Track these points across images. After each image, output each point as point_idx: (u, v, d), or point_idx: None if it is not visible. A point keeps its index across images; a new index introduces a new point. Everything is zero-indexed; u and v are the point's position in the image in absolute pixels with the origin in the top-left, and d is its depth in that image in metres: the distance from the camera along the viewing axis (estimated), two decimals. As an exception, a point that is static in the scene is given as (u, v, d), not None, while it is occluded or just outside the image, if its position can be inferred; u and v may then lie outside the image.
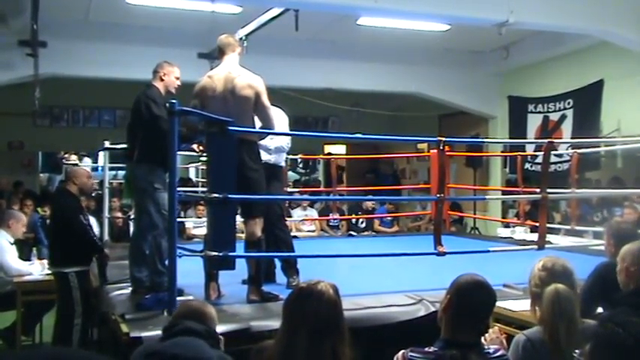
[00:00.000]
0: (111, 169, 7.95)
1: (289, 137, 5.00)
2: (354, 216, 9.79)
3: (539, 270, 2.61)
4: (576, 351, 2.29)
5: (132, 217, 7.96)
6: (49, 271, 5.25)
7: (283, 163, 5.15)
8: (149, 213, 4.14)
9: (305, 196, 9.88)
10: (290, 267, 4.71)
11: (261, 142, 4.56)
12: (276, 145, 4.83)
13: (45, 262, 5.86)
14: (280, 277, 4.81)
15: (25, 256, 6.17)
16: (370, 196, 10.32)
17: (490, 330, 2.84)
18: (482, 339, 2.50)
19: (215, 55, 4.53)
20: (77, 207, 5.08)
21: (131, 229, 8.06)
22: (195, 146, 4.65)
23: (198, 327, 2.33)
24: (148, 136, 4.14)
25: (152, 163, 4.09)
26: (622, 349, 1.65)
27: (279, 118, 4.84)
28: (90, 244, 5.02)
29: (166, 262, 3.84)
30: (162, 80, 4.40)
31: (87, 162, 14.52)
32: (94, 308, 4.86)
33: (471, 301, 2.29)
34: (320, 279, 2.24)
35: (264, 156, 4.65)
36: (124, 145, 4.80)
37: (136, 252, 4.24)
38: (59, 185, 11.40)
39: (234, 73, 4.13)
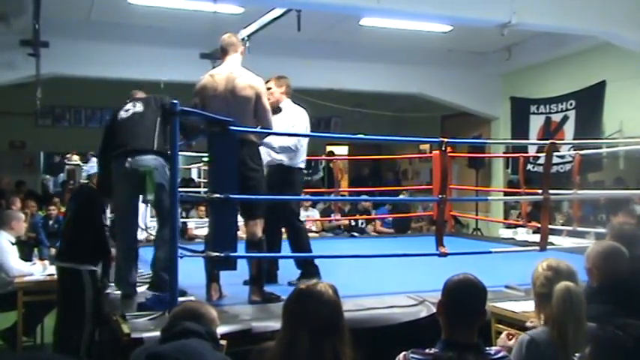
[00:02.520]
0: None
1: (298, 137, 4.81)
2: (356, 216, 9.77)
3: (544, 270, 2.60)
4: (576, 354, 2.27)
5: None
6: (57, 267, 5.15)
7: (302, 165, 4.95)
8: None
9: (306, 197, 9.85)
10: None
11: (266, 141, 4.54)
12: (280, 144, 4.76)
13: (46, 262, 5.85)
14: (283, 277, 4.81)
15: (26, 256, 6.16)
16: (373, 197, 10.31)
17: (502, 334, 2.85)
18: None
19: (217, 55, 4.52)
20: (102, 205, 5.05)
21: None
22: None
23: (198, 328, 2.30)
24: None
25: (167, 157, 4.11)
26: (622, 351, 1.65)
27: (299, 117, 4.84)
28: (103, 244, 4.94)
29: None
30: None
31: (94, 162, 14.48)
32: (101, 309, 4.83)
33: (459, 300, 2.29)
34: (319, 280, 2.23)
35: (276, 156, 4.65)
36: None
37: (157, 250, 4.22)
38: (86, 182, 11.44)
39: (235, 73, 4.12)
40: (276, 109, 4.71)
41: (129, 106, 4.34)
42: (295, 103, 4.95)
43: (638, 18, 7.09)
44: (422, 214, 10.11)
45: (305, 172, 5.20)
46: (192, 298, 3.78)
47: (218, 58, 4.38)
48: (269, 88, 4.78)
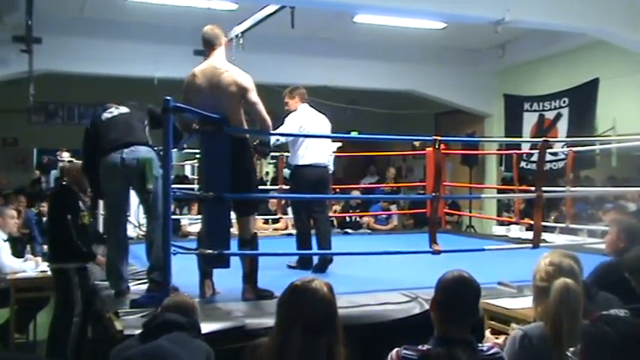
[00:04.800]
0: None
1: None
2: (350, 213, 9.77)
3: (546, 265, 2.60)
4: (570, 349, 2.28)
5: (127, 214, 7.92)
6: (49, 268, 5.16)
7: (301, 162, 5.33)
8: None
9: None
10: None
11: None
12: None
13: (39, 259, 5.83)
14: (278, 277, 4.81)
15: (19, 253, 6.14)
16: (366, 195, 10.31)
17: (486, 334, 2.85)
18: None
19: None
20: (75, 203, 4.94)
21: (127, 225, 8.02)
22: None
23: (179, 319, 2.39)
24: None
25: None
26: (610, 347, 1.65)
27: (290, 118, 5.29)
28: (77, 244, 4.73)
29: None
30: None
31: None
32: (92, 307, 4.80)
33: (454, 297, 2.29)
34: (314, 277, 2.23)
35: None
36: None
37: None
38: (59, 181, 11.36)
39: (221, 69, 4.06)
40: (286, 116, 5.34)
41: (111, 109, 4.33)
42: (311, 107, 5.55)
43: (631, 16, 7.12)
44: (415, 211, 10.10)
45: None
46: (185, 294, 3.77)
47: (205, 56, 4.34)
48: (286, 103, 5.44)
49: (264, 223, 8.44)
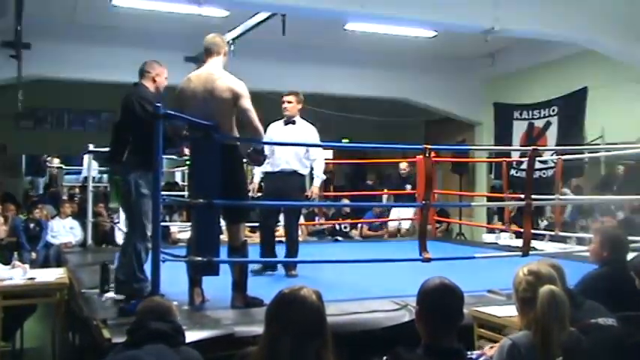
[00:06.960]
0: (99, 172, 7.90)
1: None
2: (340, 220, 9.76)
3: (525, 274, 2.60)
4: (560, 358, 2.28)
5: (116, 221, 7.90)
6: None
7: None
8: (134, 217, 4.11)
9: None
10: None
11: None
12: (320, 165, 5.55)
13: (27, 266, 5.76)
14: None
15: (6, 259, 6.07)
16: (356, 203, 10.31)
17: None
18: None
19: (202, 57, 4.53)
20: None
21: (116, 233, 8.00)
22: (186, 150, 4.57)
23: (164, 327, 2.37)
24: (141, 138, 4.10)
25: (141, 166, 4.00)
26: (586, 355, 1.66)
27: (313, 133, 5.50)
28: None
29: (144, 269, 3.87)
30: (154, 81, 4.32)
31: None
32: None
33: (437, 305, 2.28)
34: (303, 285, 2.22)
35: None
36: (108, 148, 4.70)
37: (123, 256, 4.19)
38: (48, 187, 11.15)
39: (215, 75, 4.07)
40: (291, 121, 5.40)
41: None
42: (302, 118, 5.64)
43: (619, 26, 7.18)
44: (407, 219, 10.11)
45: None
46: (175, 302, 3.74)
47: (203, 61, 4.35)
48: (290, 102, 5.45)
49: (251, 231, 8.35)
